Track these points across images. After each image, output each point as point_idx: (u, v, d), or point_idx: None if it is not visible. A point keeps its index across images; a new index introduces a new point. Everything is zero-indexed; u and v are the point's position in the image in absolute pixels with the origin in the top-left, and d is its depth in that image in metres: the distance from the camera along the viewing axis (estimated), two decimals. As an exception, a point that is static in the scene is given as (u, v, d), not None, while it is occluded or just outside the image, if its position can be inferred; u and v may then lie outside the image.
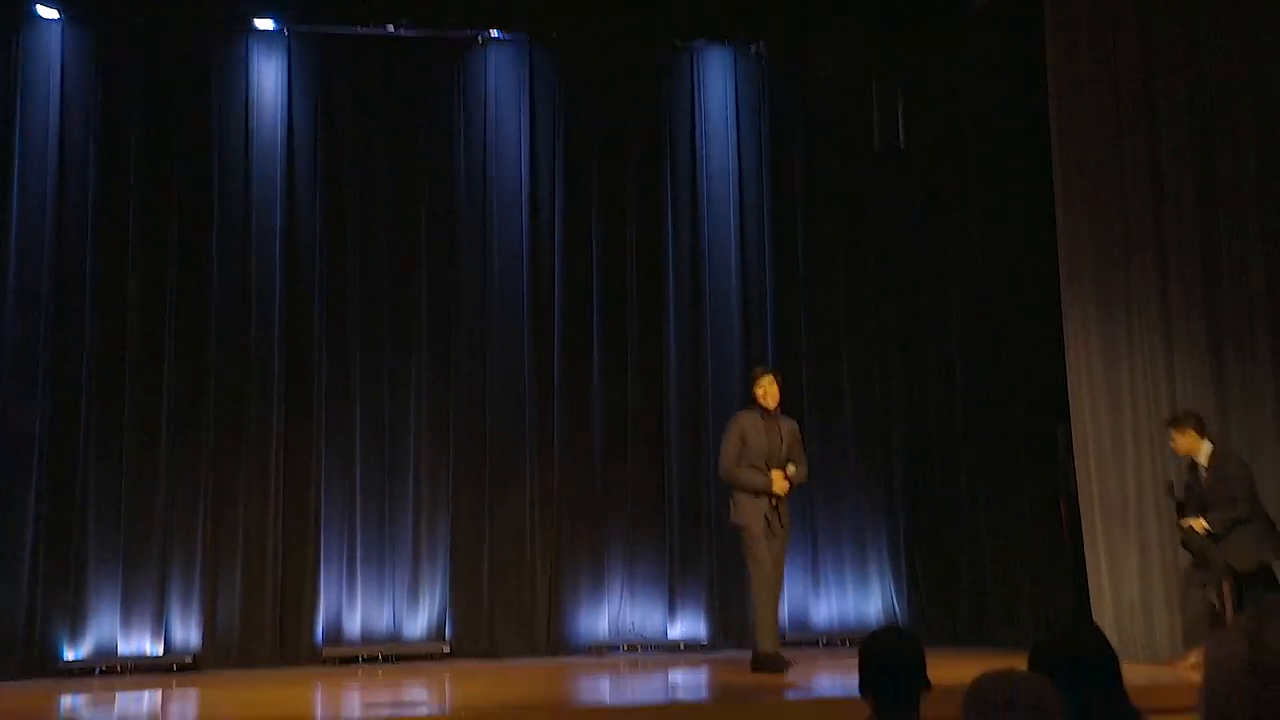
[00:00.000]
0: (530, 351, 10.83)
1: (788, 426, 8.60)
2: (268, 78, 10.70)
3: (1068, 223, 9.16)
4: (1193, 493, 8.28)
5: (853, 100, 11.41)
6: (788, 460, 8.44)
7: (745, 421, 8.52)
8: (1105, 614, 8.67)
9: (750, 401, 8.66)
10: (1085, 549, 8.89)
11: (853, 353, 11.44)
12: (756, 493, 8.38)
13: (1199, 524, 8.07)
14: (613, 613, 10.65)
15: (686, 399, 11.02)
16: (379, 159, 10.82)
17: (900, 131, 10.98)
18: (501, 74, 11.11)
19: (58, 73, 10.26)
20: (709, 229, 11.32)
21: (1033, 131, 9.76)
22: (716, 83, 11.49)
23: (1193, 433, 8.27)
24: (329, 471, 10.39)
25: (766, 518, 8.34)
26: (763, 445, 8.44)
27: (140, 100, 10.43)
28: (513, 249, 10.94)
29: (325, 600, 10.20)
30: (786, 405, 10.50)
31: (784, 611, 10.43)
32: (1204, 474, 8.24)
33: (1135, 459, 8.84)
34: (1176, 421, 8.39)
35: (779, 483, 8.34)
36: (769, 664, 8.24)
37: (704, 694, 7.48)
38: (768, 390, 8.51)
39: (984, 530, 10.73)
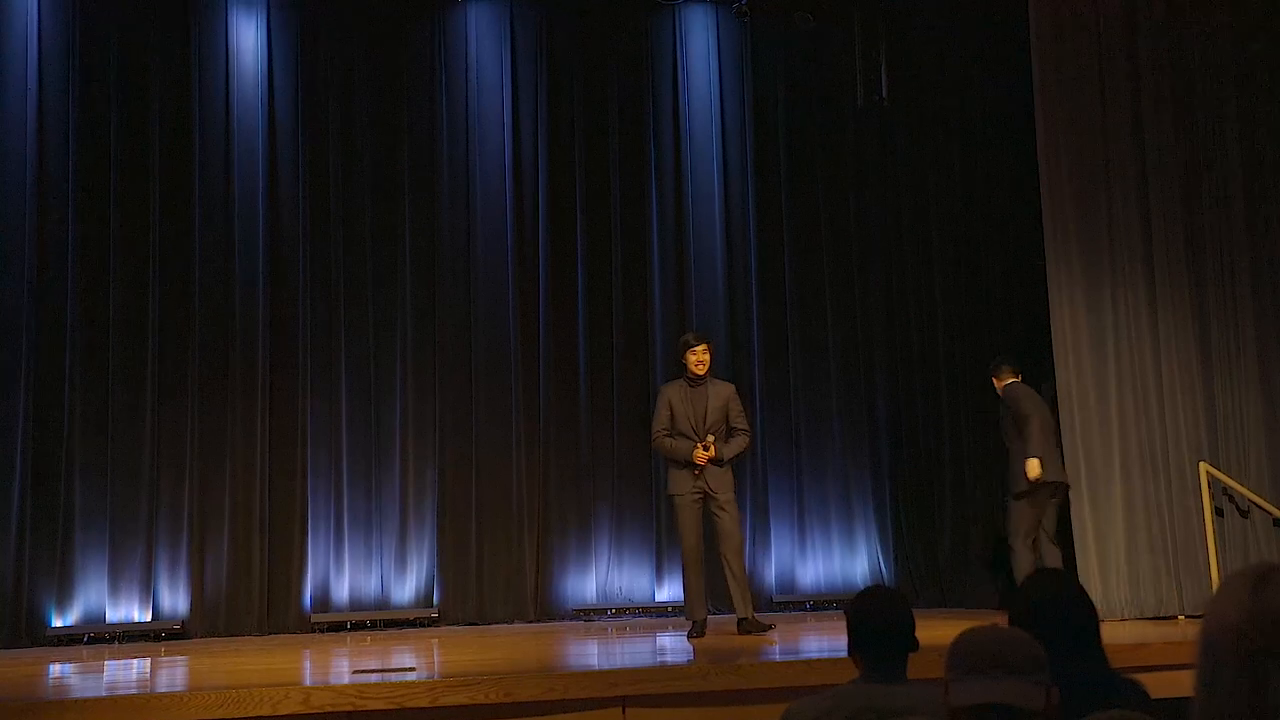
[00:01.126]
0: (516, 316, 10.86)
1: (720, 392, 8.47)
2: (247, 36, 10.64)
3: (1051, 176, 9.11)
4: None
5: (836, 55, 11.38)
6: (716, 427, 8.35)
7: (671, 393, 8.47)
8: (1090, 570, 8.66)
9: (680, 371, 8.55)
10: (1070, 505, 8.86)
11: (837, 311, 11.48)
12: (681, 463, 8.37)
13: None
14: (600, 577, 10.75)
15: (672, 361, 10.70)
16: (360, 118, 10.79)
17: (883, 85, 10.94)
18: (483, 32, 11.07)
19: (35, 37, 10.16)
20: (693, 187, 11.35)
21: (1016, 83, 9.74)
22: (699, 39, 11.47)
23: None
24: (315, 437, 10.43)
25: (685, 492, 8.32)
26: (688, 414, 8.38)
27: (119, 63, 10.37)
28: (496, 209, 10.94)
29: (313, 566, 10.23)
30: (775, 365, 10.93)
31: (770, 574, 10.84)
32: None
33: (1119, 411, 8.83)
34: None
35: (698, 453, 8.25)
36: (693, 631, 8.29)
37: (692, 656, 7.32)
38: (701, 358, 8.42)
39: (970, 488, 10.75)
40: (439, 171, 10.86)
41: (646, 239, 11.22)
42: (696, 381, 8.40)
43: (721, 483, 8.31)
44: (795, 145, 11.52)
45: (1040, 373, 9.52)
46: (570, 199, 11.12)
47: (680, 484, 8.33)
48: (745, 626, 8.35)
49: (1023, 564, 8.75)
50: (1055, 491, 8.88)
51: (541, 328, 10.94)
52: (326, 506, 10.39)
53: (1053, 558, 8.83)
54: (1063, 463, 8.83)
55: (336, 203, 10.65)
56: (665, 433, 8.38)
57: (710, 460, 8.22)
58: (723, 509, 8.28)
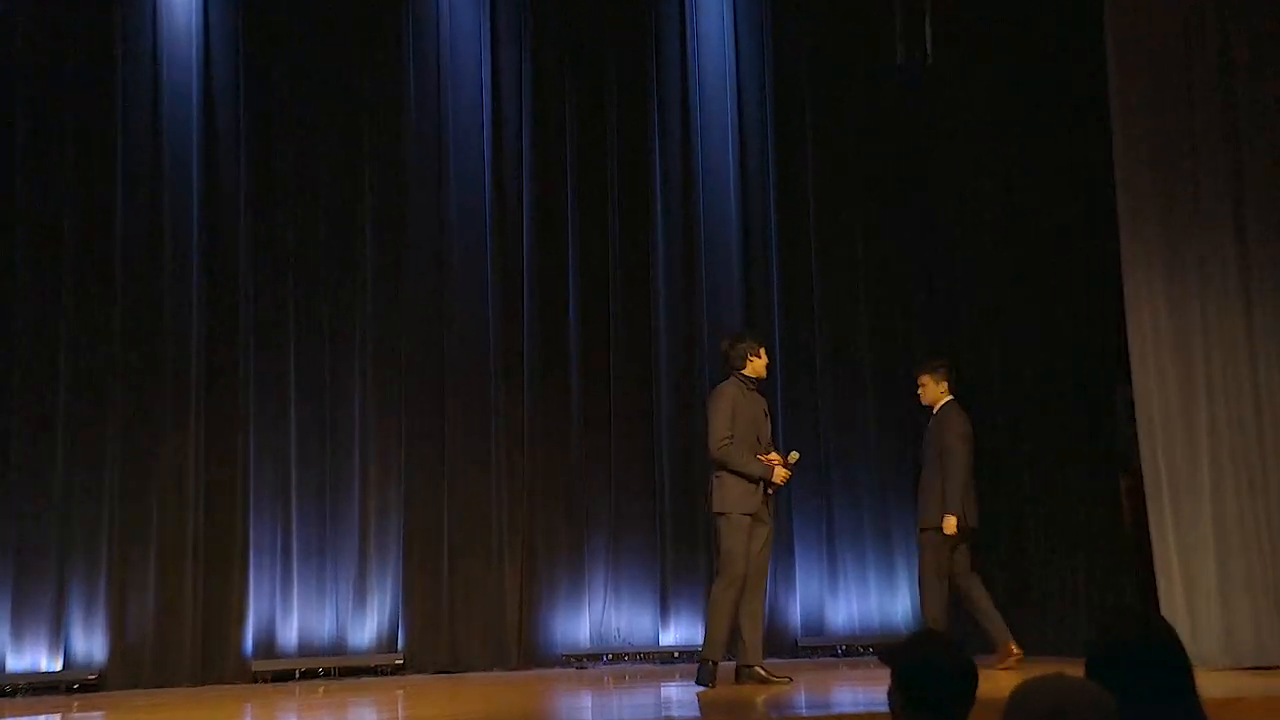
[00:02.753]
0: (495, 311, 10.79)
1: (763, 402, 8.82)
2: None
3: (1126, 143, 8.99)
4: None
5: (871, 9, 11.30)
6: (771, 442, 8.67)
7: (736, 394, 8.66)
8: (1176, 610, 8.50)
9: (732, 373, 8.73)
10: (1151, 533, 8.75)
11: (873, 307, 11.40)
12: (752, 479, 8.50)
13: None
14: (595, 616, 10.64)
15: (678, 362, 11.04)
16: (313, 81, 10.73)
17: (927, 44, 10.90)
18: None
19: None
20: (703, 161, 11.34)
21: (1084, 40, 9.61)
22: (711, 2, 11.45)
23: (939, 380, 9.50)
24: (259, 451, 10.35)
25: (754, 511, 8.48)
26: (752, 424, 8.62)
27: (29, 30, 10.34)
28: (473, 191, 10.92)
29: (255, 604, 10.15)
30: (800, 369, 11.08)
31: (795, 613, 10.84)
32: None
33: (1209, 422, 8.68)
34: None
35: (779, 472, 8.53)
36: (703, 675, 8.40)
37: (700, 710, 7.45)
38: (764, 360, 8.78)
39: (1029, 513, 10.61)
40: (406, 148, 10.81)
41: (649, 224, 11.17)
42: (752, 387, 8.68)
43: (772, 507, 8.63)
44: (823, 112, 11.45)
45: (1114, 377, 9.47)
46: (560, 177, 11.07)
47: (744, 500, 8.47)
48: (746, 676, 8.51)
49: (934, 599, 9.17)
50: (968, 536, 9.33)
51: (526, 324, 10.85)
52: (272, 533, 10.27)
53: (975, 586, 9.33)
54: (977, 505, 9.37)
55: (285, 185, 10.61)
56: (729, 440, 8.51)
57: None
58: (767, 541, 8.60)
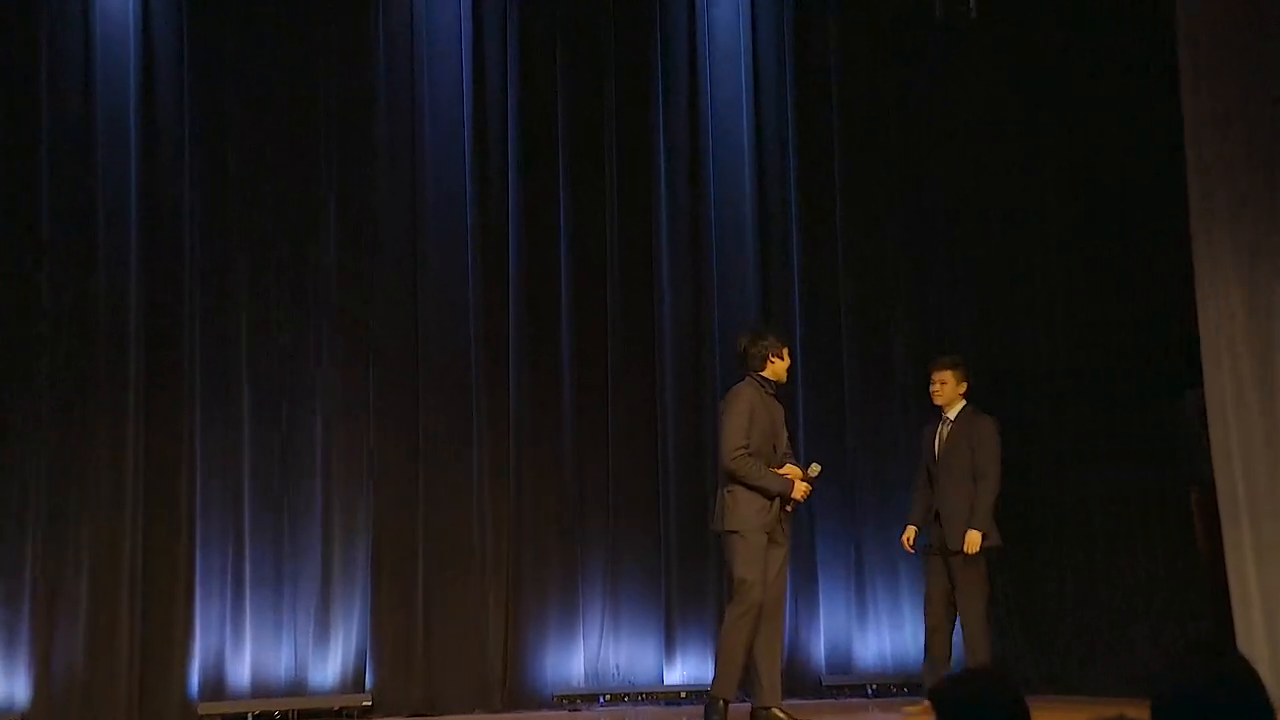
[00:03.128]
0: (478, 307, 10.48)
1: (783, 410, 8.76)
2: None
3: (1198, 121, 8.77)
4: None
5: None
6: (789, 452, 8.59)
7: (754, 399, 8.50)
8: (1256, 640, 8.33)
9: (748, 375, 8.61)
10: (1226, 556, 8.57)
11: (910, 292, 11.14)
12: (769, 494, 8.34)
13: None
14: (590, 651, 10.40)
15: (685, 356, 10.82)
16: (267, 55, 10.36)
17: (971, -5, 10.69)
18: None
19: None
20: (713, 131, 11.09)
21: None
22: None
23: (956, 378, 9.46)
24: (207, 465, 9.97)
25: (770, 530, 8.35)
26: (770, 432, 8.49)
27: None
28: (451, 163, 10.63)
29: (202, 639, 9.79)
30: (824, 373, 10.96)
31: (819, 648, 10.72)
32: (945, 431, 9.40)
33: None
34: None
35: (800, 488, 8.40)
36: (713, 716, 8.32)
37: None
38: (786, 363, 8.68)
39: (1089, 534, 10.38)
40: (374, 108, 10.46)
41: (652, 204, 10.87)
42: (772, 390, 8.60)
43: (789, 525, 8.57)
44: (851, 69, 11.19)
45: (1185, 377, 9.28)
46: (550, 146, 10.73)
47: (759, 518, 8.32)
48: (762, 719, 8.41)
49: (983, 634, 9.12)
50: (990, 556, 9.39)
51: (511, 321, 10.49)
52: (221, 558, 9.90)
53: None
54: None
55: (238, 160, 10.26)
56: (744, 450, 8.36)
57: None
58: (783, 565, 8.56)
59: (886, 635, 10.70)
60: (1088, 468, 10.45)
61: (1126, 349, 10.11)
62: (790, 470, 8.40)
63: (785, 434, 8.64)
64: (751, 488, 8.33)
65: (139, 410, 9.84)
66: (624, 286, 10.79)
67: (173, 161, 10.15)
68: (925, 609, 9.30)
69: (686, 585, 10.49)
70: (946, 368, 9.43)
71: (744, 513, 8.30)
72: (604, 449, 10.62)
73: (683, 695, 10.22)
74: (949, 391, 9.40)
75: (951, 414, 9.37)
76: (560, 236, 10.73)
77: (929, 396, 10.06)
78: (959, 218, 11.15)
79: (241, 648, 9.84)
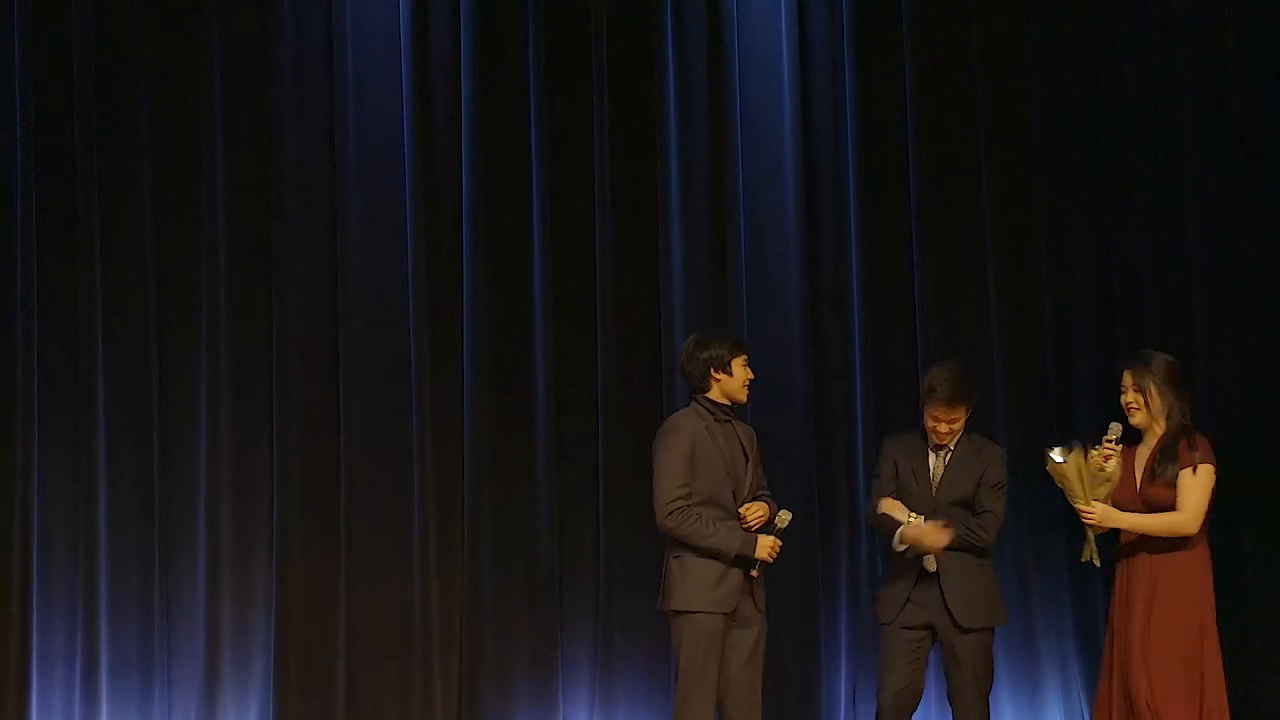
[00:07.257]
0: (421, 300, 9.00)
1: (747, 434, 7.47)
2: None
3: None
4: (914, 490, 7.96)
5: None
6: (761, 492, 7.37)
7: (695, 430, 7.27)
8: None
9: (697, 397, 7.36)
10: None
11: (1005, 284, 9.52)
12: (725, 558, 7.11)
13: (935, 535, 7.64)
14: None
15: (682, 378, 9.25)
16: None
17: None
18: None
19: None
20: (741, 84, 9.52)
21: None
22: None
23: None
24: (48, 507, 8.63)
25: (730, 608, 7.15)
26: (723, 472, 7.24)
27: None
28: (390, 125, 9.12)
29: None
30: (883, 384, 9.80)
31: None
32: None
33: None
34: None
35: (764, 545, 7.16)
36: None
37: None
38: (747, 377, 7.43)
39: (1243, 585, 9.17)
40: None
41: (657, 177, 9.27)
42: (726, 415, 7.39)
43: (762, 594, 7.44)
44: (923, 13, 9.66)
45: None
46: (522, 105, 9.18)
47: (712, 593, 7.19)
48: None
49: None
50: None
51: (466, 320, 9.02)
52: (69, 630, 8.59)
53: None
54: None
55: (88, 94, 8.92)
56: (683, 503, 7.10)
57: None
58: (755, 648, 7.35)
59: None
60: (1242, 503, 9.01)
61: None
62: (752, 510, 7.06)
63: (758, 471, 7.34)
64: (698, 551, 7.07)
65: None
66: (618, 277, 9.23)
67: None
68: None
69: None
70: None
71: (691, 588, 7.09)
72: (591, 478, 9.02)
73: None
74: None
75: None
76: (533, 238, 9.21)
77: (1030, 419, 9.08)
78: (1040, 194, 9.66)
79: (95, 753, 8.65)
